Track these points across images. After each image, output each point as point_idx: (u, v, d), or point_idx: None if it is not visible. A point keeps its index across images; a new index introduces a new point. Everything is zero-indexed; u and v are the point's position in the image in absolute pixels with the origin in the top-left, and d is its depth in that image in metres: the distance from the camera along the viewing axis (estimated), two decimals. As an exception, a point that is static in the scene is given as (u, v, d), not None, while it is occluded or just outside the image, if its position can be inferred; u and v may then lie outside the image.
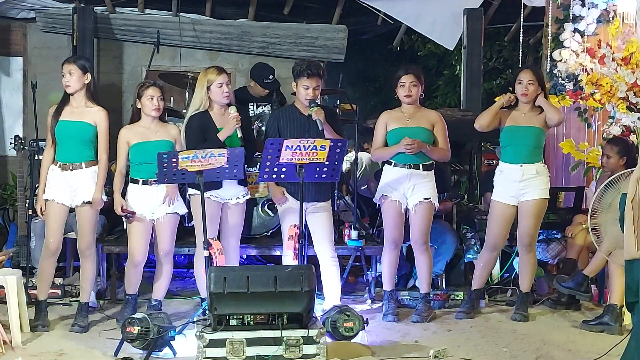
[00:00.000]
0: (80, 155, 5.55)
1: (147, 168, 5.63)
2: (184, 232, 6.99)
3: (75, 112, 5.55)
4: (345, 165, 7.32)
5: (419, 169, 5.90)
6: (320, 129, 5.66)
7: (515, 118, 6.01)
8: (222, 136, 5.62)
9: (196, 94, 5.78)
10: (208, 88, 5.70)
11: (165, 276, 5.84)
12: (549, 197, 6.02)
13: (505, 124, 6.02)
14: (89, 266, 5.69)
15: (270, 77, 7.37)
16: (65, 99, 5.60)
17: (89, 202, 5.55)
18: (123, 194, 5.69)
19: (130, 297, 5.82)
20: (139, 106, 5.69)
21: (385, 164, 6.03)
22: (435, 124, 5.94)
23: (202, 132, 5.68)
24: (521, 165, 5.93)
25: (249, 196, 5.95)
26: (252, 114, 7.35)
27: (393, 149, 5.90)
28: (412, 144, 5.76)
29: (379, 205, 6.21)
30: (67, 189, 5.52)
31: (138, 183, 5.67)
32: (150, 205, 5.66)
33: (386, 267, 6.08)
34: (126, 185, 5.77)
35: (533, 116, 5.98)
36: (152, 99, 5.64)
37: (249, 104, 7.42)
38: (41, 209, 5.56)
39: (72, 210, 5.63)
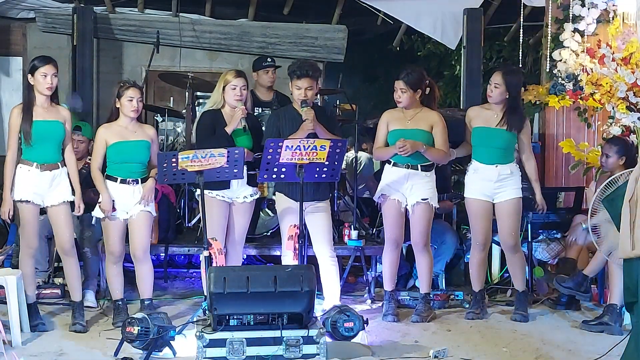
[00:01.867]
0: (57, 155, 5.51)
1: (125, 167, 5.63)
2: (184, 232, 7.00)
3: (46, 113, 5.45)
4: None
5: (417, 169, 5.90)
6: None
7: (487, 119, 5.97)
8: (229, 129, 5.70)
9: (214, 92, 5.92)
10: (224, 88, 5.79)
11: (147, 274, 5.79)
12: (521, 195, 5.98)
13: (475, 124, 6.00)
14: (74, 263, 5.64)
15: (269, 59, 7.37)
16: (32, 99, 5.42)
17: (64, 202, 5.50)
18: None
19: (120, 303, 5.79)
20: (117, 106, 5.67)
21: (386, 164, 6.03)
22: (435, 125, 5.92)
23: (212, 128, 5.76)
24: (496, 166, 5.91)
25: (257, 195, 5.96)
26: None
27: (391, 149, 5.90)
28: (405, 146, 5.76)
29: (379, 204, 6.21)
30: (43, 190, 5.44)
31: (116, 181, 5.64)
32: (125, 204, 5.64)
33: (387, 266, 6.07)
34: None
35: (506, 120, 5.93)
36: (131, 100, 5.62)
37: (254, 108, 7.43)
38: (9, 211, 5.41)
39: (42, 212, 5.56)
